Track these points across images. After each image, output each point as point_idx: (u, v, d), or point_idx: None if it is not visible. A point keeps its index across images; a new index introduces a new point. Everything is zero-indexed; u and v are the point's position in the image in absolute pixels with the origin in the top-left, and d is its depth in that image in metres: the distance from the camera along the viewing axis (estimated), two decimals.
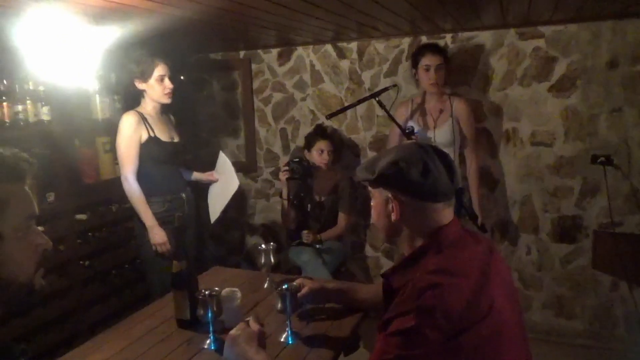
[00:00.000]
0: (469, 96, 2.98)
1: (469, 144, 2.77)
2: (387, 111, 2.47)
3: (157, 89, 2.44)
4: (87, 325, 2.68)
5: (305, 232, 2.81)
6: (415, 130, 2.50)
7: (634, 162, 2.72)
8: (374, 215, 1.22)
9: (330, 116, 2.64)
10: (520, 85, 2.89)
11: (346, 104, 3.27)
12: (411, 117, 2.76)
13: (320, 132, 3.00)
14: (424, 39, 3.03)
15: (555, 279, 2.97)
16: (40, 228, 0.90)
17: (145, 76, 2.42)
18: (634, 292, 2.74)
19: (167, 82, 2.44)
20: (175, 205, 2.54)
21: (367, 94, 2.65)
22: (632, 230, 2.74)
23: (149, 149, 2.46)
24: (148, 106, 2.50)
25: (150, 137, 2.46)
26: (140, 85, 2.45)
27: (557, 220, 2.93)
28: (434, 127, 2.70)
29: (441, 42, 2.98)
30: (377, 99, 2.49)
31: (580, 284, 2.92)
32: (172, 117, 2.68)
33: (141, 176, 2.46)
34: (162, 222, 2.47)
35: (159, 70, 2.42)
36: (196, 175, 2.87)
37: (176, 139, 2.60)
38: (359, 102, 2.63)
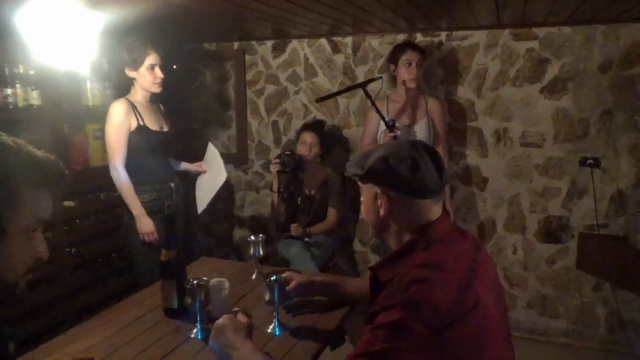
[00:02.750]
0: (462, 95, 2.99)
1: (441, 142, 2.80)
2: (372, 101, 2.51)
3: (147, 77, 2.42)
4: (74, 312, 2.66)
5: (294, 225, 2.82)
6: (397, 124, 2.53)
7: (621, 165, 2.76)
8: (363, 210, 1.24)
9: (319, 100, 2.64)
10: (512, 85, 2.91)
11: (340, 99, 3.28)
12: (387, 113, 2.76)
13: (305, 124, 3.02)
14: (418, 37, 3.04)
15: (540, 278, 3.01)
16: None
17: (136, 64, 2.39)
18: (616, 293, 2.79)
19: (158, 72, 2.42)
20: (163, 194, 2.53)
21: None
22: (617, 232, 2.79)
23: (138, 138, 2.45)
24: (138, 94, 2.48)
25: (139, 125, 2.43)
26: (130, 73, 2.42)
27: (543, 220, 2.96)
28: (411, 124, 2.74)
29: (436, 40, 3.00)
30: (364, 88, 2.52)
31: (565, 284, 2.96)
32: (161, 107, 2.66)
33: (130, 165, 2.44)
34: (151, 211, 2.45)
35: (150, 59, 2.40)
36: (184, 166, 2.86)
37: (165, 129, 2.58)
38: (349, 89, 2.64)
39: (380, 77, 2.61)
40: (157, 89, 2.46)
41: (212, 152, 2.81)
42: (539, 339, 3.01)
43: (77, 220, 2.76)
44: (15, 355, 0.92)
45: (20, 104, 2.42)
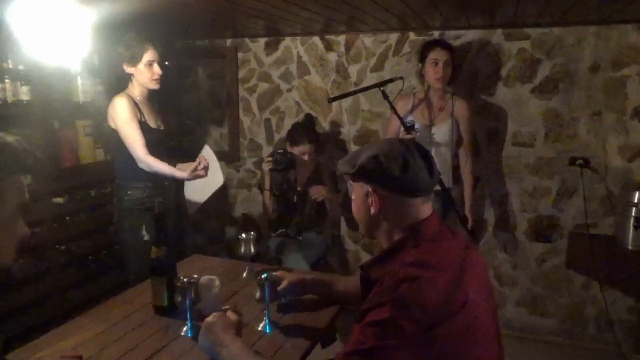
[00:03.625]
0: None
1: (466, 146, 2.74)
2: (390, 102, 2.42)
3: (145, 74, 2.39)
4: (62, 309, 2.64)
5: (314, 187, 2.81)
6: (416, 126, 2.49)
7: (610, 165, 2.79)
8: (354, 209, 1.24)
9: (332, 100, 2.60)
10: (504, 85, 2.92)
11: (331, 97, 3.27)
12: (411, 111, 2.72)
13: (306, 132, 2.89)
14: (411, 35, 3.05)
15: (530, 277, 3.03)
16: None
17: (134, 60, 2.37)
18: (605, 293, 2.81)
19: (156, 68, 2.40)
20: (156, 192, 2.51)
21: (354, 88, 2.64)
22: (606, 232, 2.81)
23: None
24: (135, 91, 2.45)
25: (140, 122, 2.41)
26: (128, 69, 2.40)
27: (534, 219, 2.99)
28: (434, 125, 2.67)
29: (428, 39, 3.00)
30: (381, 88, 2.46)
31: (554, 283, 2.99)
32: (155, 104, 2.64)
33: (124, 160, 2.42)
34: (144, 208, 2.44)
35: (149, 55, 2.37)
36: (179, 166, 2.82)
37: (162, 127, 2.57)
38: (365, 89, 2.58)
39: (401, 78, 2.49)
40: (155, 86, 2.44)
41: (208, 153, 2.75)
42: (528, 337, 3.04)
43: (67, 217, 2.74)
44: (3, 352, 0.91)
45: (10, 99, 2.39)
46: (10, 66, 2.41)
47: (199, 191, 2.78)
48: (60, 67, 2.60)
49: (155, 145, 2.49)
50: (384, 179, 1.13)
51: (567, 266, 2.89)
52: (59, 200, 2.67)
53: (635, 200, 2.46)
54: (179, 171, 2.40)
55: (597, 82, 2.75)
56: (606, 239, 2.74)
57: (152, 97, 2.57)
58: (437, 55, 2.60)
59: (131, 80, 2.45)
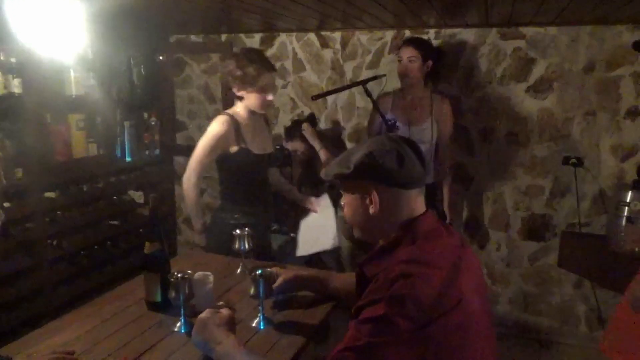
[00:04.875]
0: (449, 93, 3.00)
1: (446, 144, 2.77)
2: (372, 100, 2.44)
3: (257, 99, 2.18)
4: (54, 305, 2.62)
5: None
6: (397, 124, 2.50)
7: (603, 165, 2.80)
8: (348, 213, 1.22)
9: (315, 97, 2.60)
10: (499, 84, 2.93)
11: (314, 95, 3.26)
12: (391, 109, 2.76)
13: (292, 131, 2.90)
14: (407, 33, 3.04)
15: (523, 275, 3.05)
16: (6, 204, 0.88)
17: (245, 85, 2.16)
18: (596, 292, 2.84)
19: (270, 95, 2.21)
20: (255, 219, 2.26)
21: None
22: (598, 231, 2.83)
23: (237, 160, 2.21)
24: (242, 112, 2.23)
25: (240, 148, 2.19)
26: (239, 92, 2.20)
27: (527, 218, 3.00)
28: (413, 123, 2.70)
29: (424, 37, 2.99)
30: (364, 86, 2.46)
31: (546, 281, 3.00)
32: (266, 126, 2.42)
33: (228, 186, 2.29)
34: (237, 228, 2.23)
35: (264, 79, 2.16)
36: (295, 195, 2.66)
37: (269, 149, 2.36)
38: (347, 87, 2.60)
39: (384, 76, 2.49)
40: (263, 111, 2.29)
41: (326, 204, 2.57)
42: (520, 335, 3.05)
43: (59, 212, 2.71)
44: None
45: (1, 92, 2.37)
46: (2, 58, 2.38)
47: (312, 239, 2.58)
48: (53, 60, 2.57)
49: (258, 170, 2.31)
50: (383, 174, 1.13)
51: (559, 265, 2.90)
52: (51, 194, 2.65)
53: (628, 200, 2.47)
54: (199, 217, 2.28)
55: (591, 82, 2.76)
56: (598, 238, 2.75)
57: (260, 117, 2.36)
58: (402, 52, 2.63)
59: (239, 100, 2.23)
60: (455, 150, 2.92)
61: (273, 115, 3.44)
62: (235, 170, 2.25)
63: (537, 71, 2.85)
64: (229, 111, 2.24)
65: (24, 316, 2.47)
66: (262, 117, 2.37)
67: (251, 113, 2.25)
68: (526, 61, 2.86)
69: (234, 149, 2.19)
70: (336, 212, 2.58)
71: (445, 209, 2.78)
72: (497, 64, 2.91)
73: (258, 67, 2.14)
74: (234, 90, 2.20)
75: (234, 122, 2.18)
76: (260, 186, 2.32)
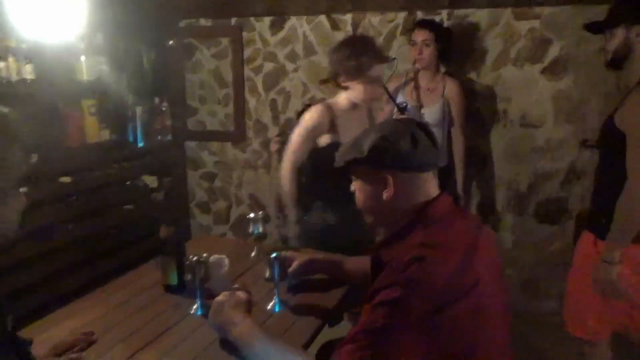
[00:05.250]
0: (462, 75, 2.96)
1: (458, 127, 2.76)
2: (383, 85, 2.43)
3: (365, 91, 2.08)
4: (71, 288, 2.65)
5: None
6: (408, 107, 2.48)
7: None
8: (360, 199, 1.21)
9: (323, 82, 2.59)
10: (513, 65, 2.88)
11: (322, 79, 3.24)
12: (402, 92, 2.74)
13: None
14: (419, 14, 2.99)
15: (535, 259, 3.03)
16: (22, 189, 0.90)
17: (354, 75, 2.05)
18: None
19: (378, 87, 2.12)
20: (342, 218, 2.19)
21: None
22: None
23: (327, 153, 1.91)
24: (343, 102, 2.14)
25: (333, 141, 2.06)
26: (345, 83, 2.11)
27: (542, 202, 2.97)
28: (425, 106, 2.69)
29: (437, 19, 2.94)
30: None
31: (559, 265, 2.98)
32: (368, 119, 2.28)
33: (317, 180, 2.18)
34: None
35: (375, 70, 2.06)
36: None
37: None
38: None
39: (394, 59, 2.40)
40: (369, 104, 2.24)
41: None
42: (531, 319, 3.05)
43: (73, 197, 2.74)
44: (13, 329, 0.91)
45: (14, 78, 2.38)
46: (14, 45, 2.38)
47: None
48: (64, 45, 2.57)
49: None
50: (398, 157, 1.12)
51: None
52: (66, 179, 2.67)
53: None
54: (292, 212, 2.21)
55: None
56: None
57: (363, 110, 2.26)
58: (415, 36, 2.60)
59: (343, 89, 2.13)
60: (468, 133, 2.89)
61: (284, 99, 3.43)
62: (324, 165, 1.91)
63: (553, 52, 2.79)
64: (329, 101, 2.15)
65: (42, 299, 2.50)
66: (366, 110, 2.26)
67: (353, 105, 2.13)
68: (541, 42, 2.80)
69: (325, 141, 2.09)
70: None
71: (459, 192, 2.77)
72: (512, 45, 2.86)
73: (371, 58, 2.01)
74: (340, 80, 2.09)
75: (329, 112, 2.08)
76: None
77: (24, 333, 1.30)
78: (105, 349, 1.26)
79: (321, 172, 2.10)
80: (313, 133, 2.10)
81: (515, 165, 3.00)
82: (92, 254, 2.87)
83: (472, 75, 2.97)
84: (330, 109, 2.09)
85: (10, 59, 2.36)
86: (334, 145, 1.99)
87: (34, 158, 2.48)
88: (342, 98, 2.13)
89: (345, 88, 2.10)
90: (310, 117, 2.10)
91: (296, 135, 2.12)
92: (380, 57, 2.07)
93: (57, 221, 2.63)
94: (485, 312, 1.04)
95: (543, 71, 2.83)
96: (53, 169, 2.59)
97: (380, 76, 2.08)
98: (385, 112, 2.81)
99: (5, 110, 0.84)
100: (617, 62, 1.76)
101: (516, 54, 2.86)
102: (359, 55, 2.00)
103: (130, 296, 1.54)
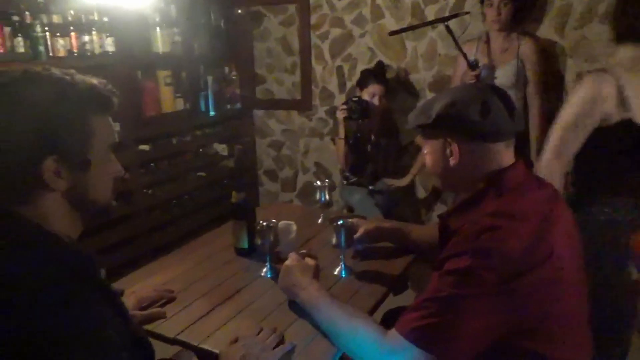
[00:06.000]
0: (541, 34, 2.76)
1: (533, 88, 2.60)
2: (454, 39, 2.35)
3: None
4: (150, 248, 2.86)
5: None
6: (480, 64, 2.39)
7: None
8: (429, 163, 1.19)
9: (392, 33, 2.53)
10: (600, 23, 2.64)
11: (407, 42, 3.15)
12: (475, 54, 2.62)
13: (376, 74, 2.87)
14: None
15: None
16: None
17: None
18: None
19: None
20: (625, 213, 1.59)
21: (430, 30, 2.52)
22: None
23: (615, 135, 1.52)
24: (628, 64, 1.53)
25: (622, 119, 1.49)
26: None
27: None
28: (498, 67, 2.57)
29: None
30: (446, 24, 2.36)
31: None
32: None
33: (596, 168, 1.63)
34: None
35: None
36: None
37: None
38: (428, 23, 2.53)
39: (467, 13, 2.36)
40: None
41: None
42: None
43: (152, 164, 2.90)
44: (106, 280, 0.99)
45: (97, 50, 2.52)
46: (96, 18, 2.51)
47: None
48: (141, 18, 2.68)
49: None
50: (464, 126, 1.08)
51: None
52: (145, 147, 2.83)
53: None
54: None
55: None
56: None
57: None
58: None
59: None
60: (546, 96, 2.71)
61: (351, 65, 3.38)
62: (609, 149, 1.57)
63: None
64: (606, 67, 1.58)
65: (126, 257, 2.71)
66: None
67: None
68: None
69: (610, 119, 1.52)
70: None
71: (532, 159, 2.64)
72: (600, 0, 2.62)
73: None
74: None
75: (614, 81, 1.49)
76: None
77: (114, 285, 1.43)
78: (186, 304, 1.34)
79: (606, 160, 1.60)
80: (590, 111, 1.55)
81: None
82: (171, 217, 3.05)
83: (553, 34, 2.76)
84: (614, 76, 1.52)
85: (94, 32, 2.49)
86: (624, 124, 1.51)
87: (117, 127, 2.65)
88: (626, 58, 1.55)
89: None
90: (583, 89, 1.56)
91: (564, 116, 1.59)
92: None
93: (138, 186, 2.80)
94: (559, 284, 1.00)
95: None
96: (134, 137, 2.75)
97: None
98: (457, 72, 2.72)
99: (95, 80, 0.88)
100: None
101: (604, 10, 2.61)
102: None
103: (204, 258, 1.63)
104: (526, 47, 2.56)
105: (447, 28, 2.34)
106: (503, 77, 2.56)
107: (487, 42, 2.63)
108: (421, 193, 3.37)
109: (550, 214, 1.06)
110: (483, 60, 2.58)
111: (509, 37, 2.59)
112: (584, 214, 1.59)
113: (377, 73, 2.87)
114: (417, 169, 2.98)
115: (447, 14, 2.96)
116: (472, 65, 2.34)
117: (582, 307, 1.08)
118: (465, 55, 2.36)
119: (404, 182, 2.96)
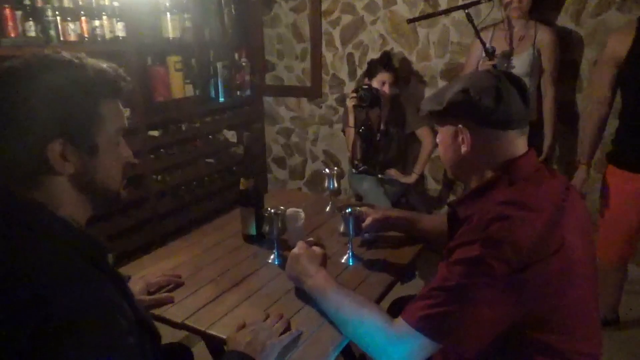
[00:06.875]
0: (558, 22, 2.71)
1: (548, 77, 2.57)
2: (474, 26, 2.33)
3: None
4: (160, 234, 2.88)
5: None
6: (496, 52, 2.37)
7: None
8: (441, 150, 1.18)
9: (410, 21, 2.51)
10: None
11: (419, 29, 3.10)
12: (491, 42, 2.58)
13: (384, 63, 2.84)
14: None
15: None
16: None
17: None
18: None
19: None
20: None
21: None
22: None
23: None
24: None
25: None
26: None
27: None
28: (514, 54, 2.54)
29: None
30: (466, 11, 2.33)
31: None
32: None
33: None
34: None
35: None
36: None
37: None
38: (447, 11, 2.53)
39: (490, 0, 2.36)
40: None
41: None
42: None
43: (162, 150, 2.91)
44: (114, 265, 1.00)
45: (107, 35, 2.51)
46: (107, 3, 2.50)
47: None
48: (151, 3, 2.66)
49: None
50: (477, 113, 1.07)
51: None
52: (154, 133, 2.83)
53: None
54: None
55: None
56: None
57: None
58: None
59: None
60: (560, 86, 2.67)
61: (362, 53, 3.35)
62: None
63: None
64: None
65: (135, 243, 2.74)
66: None
67: None
68: None
69: None
70: None
71: (545, 148, 2.61)
72: None
73: None
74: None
75: None
76: None
77: (124, 271, 1.44)
78: (194, 289, 1.35)
79: None
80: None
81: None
82: (180, 203, 3.06)
83: (570, 22, 2.70)
84: None
85: (104, 17, 2.48)
86: None
87: (127, 112, 2.65)
88: None
89: None
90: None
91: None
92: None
93: (148, 172, 2.81)
94: (570, 275, 0.99)
95: None
96: (144, 123, 2.75)
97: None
98: (470, 61, 2.68)
99: (105, 65, 0.87)
100: None
101: None
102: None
103: (212, 244, 1.63)
104: (543, 36, 2.52)
105: (468, 16, 2.31)
106: (518, 65, 2.52)
107: (508, 29, 2.58)
108: (431, 183, 3.35)
109: (563, 204, 1.05)
110: (499, 47, 2.55)
111: (526, 25, 2.55)
112: None
113: (384, 61, 2.84)
114: (422, 167, 2.97)
115: (460, 1, 2.93)
116: (489, 54, 2.31)
117: (592, 298, 1.07)
118: (483, 43, 2.33)
119: (410, 179, 2.95)
